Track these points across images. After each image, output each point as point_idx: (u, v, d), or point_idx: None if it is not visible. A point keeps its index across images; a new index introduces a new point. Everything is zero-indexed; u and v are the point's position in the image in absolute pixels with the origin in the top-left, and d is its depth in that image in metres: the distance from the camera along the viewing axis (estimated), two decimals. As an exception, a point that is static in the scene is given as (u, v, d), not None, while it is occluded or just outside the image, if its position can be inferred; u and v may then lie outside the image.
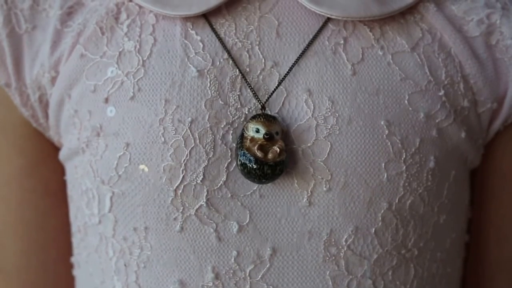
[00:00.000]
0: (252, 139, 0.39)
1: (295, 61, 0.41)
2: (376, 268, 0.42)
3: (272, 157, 0.38)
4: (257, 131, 0.39)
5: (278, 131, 0.39)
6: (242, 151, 0.38)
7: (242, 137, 0.39)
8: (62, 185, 0.48)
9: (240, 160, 0.38)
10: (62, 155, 0.46)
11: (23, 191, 0.48)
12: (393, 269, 0.42)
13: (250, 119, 0.39)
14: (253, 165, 0.38)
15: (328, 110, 0.40)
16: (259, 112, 0.40)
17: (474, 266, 0.50)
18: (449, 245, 0.45)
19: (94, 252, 0.45)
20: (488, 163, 0.47)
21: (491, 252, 0.49)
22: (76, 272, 0.49)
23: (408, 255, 0.42)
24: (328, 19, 0.42)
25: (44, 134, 0.47)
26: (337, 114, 0.40)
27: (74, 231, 0.47)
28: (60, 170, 0.48)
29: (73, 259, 0.49)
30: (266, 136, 0.38)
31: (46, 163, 0.48)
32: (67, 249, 0.49)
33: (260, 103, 0.40)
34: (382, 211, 0.41)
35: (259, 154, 0.38)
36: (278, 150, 0.38)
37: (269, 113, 0.40)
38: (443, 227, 0.44)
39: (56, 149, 0.48)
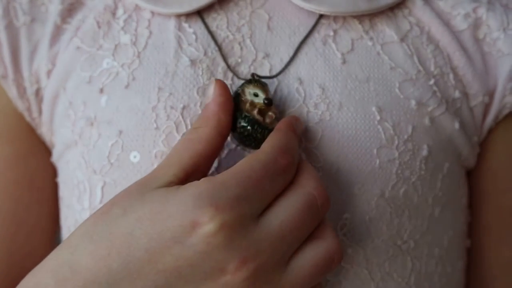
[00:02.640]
0: (252, 103, 0.38)
1: (292, 56, 0.41)
2: (371, 258, 0.41)
3: (270, 122, 0.38)
4: (256, 95, 0.38)
5: (271, 97, 0.39)
6: (244, 114, 0.38)
7: (238, 100, 0.38)
8: (48, 184, 0.48)
9: (239, 122, 0.38)
10: (55, 153, 0.46)
11: (6, 181, 0.47)
12: (390, 260, 0.41)
13: (246, 83, 0.39)
14: (254, 128, 0.38)
15: (319, 97, 0.40)
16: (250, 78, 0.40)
17: (474, 271, 0.49)
18: (447, 243, 0.44)
19: None
20: (481, 163, 0.47)
21: (489, 255, 0.48)
22: None
23: (405, 247, 0.41)
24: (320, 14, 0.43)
25: (36, 130, 0.47)
26: (327, 101, 0.40)
27: (64, 234, 0.47)
28: (47, 169, 0.48)
29: None
30: (266, 102, 0.38)
31: (34, 157, 0.48)
32: (46, 247, 0.49)
33: (250, 71, 0.41)
34: (375, 198, 0.40)
35: (258, 117, 0.38)
36: (274, 115, 0.38)
37: (262, 80, 0.40)
38: (438, 222, 0.43)
39: (46, 148, 0.48)
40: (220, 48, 0.42)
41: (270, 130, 0.37)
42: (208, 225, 0.31)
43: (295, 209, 0.34)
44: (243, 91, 0.39)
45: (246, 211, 0.32)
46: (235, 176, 0.33)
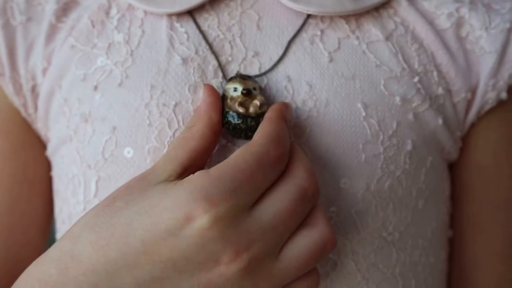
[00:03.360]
0: (232, 98, 0.40)
1: (282, 54, 0.43)
2: (358, 249, 0.42)
3: (254, 111, 0.40)
4: (235, 89, 0.40)
5: (256, 87, 0.41)
6: (225, 111, 0.40)
7: (223, 99, 0.40)
8: (43, 177, 0.49)
9: (224, 119, 0.40)
10: (50, 148, 0.47)
11: (2, 174, 0.48)
12: (375, 251, 0.43)
13: (227, 81, 0.41)
14: (236, 120, 0.39)
15: (307, 94, 0.42)
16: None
17: (456, 260, 0.50)
18: (431, 234, 0.46)
19: None
20: (463, 157, 0.48)
21: (470, 246, 0.49)
22: None
23: (390, 239, 0.43)
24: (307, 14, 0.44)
25: (32, 125, 0.49)
26: (315, 98, 0.42)
27: (59, 226, 0.48)
28: (42, 163, 0.49)
29: None
30: (244, 92, 0.40)
31: (29, 151, 0.49)
32: (41, 239, 0.50)
33: (240, 69, 0.42)
34: (361, 192, 0.42)
35: (240, 109, 0.40)
36: (258, 103, 0.40)
37: (243, 73, 0.42)
38: (422, 214, 0.45)
39: (41, 142, 0.49)
40: (211, 47, 0.43)
41: (253, 117, 0.39)
42: (202, 218, 0.33)
43: (287, 200, 0.35)
44: (225, 90, 0.41)
45: (240, 203, 0.34)
46: (229, 169, 0.34)
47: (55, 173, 0.48)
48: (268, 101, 0.42)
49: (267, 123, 0.38)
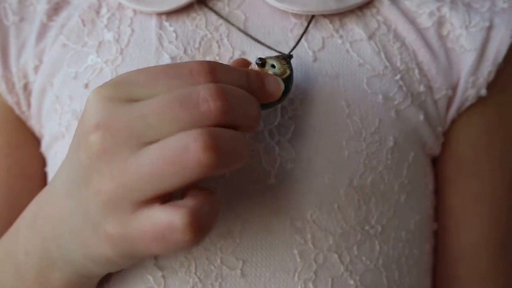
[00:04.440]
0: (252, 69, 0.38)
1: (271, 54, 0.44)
2: (341, 242, 0.44)
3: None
4: (273, 66, 0.39)
5: (280, 66, 0.39)
6: None
7: None
8: (38, 173, 0.50)
9: None
10: (44, 144, 0.48)
11: None
12: (358, 244, 0.44)
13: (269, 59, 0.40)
14: None
15: (292, 93, 0.43)
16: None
17: (440, 253, 0.52)
18: (414, 227, 0.47)
19: None
20: (445, 151, 0.50)
21: (453, 238, 0.51)
22: None
23: (372, 232, 0.45)
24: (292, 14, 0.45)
25: (26, 123, 0.50)
26: (300, 97, 0.43)
27: None
28: (37, 159, 0.50)
29: None
30: (258, 62, 0.39)
31: (25, 147, 0.50)
32: None
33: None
34: (344, 187, 0.43)
35: None
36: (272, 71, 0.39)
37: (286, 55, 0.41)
38: (405, 207, 0.46)
39: (36, 139, 0.50)
40: (199, 46, 0.44)
41: None
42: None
43: (171, 97, 0.31)
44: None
45: (126, 92, 0.33)
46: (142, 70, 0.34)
47: (49, 169, 0.49)
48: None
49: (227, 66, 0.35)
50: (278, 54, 0.42)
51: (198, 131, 0.30)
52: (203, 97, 0.31)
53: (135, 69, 0.42)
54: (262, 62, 0.38)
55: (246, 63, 0.40)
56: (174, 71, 0.32)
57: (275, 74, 0.39)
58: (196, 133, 0.30)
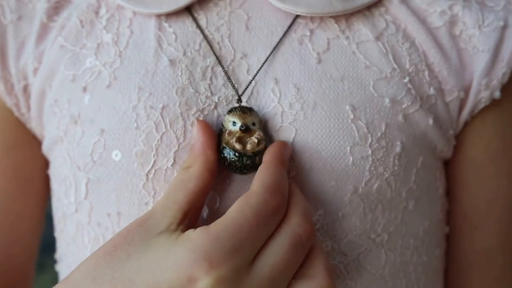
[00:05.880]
0: (230, 133, 0.40)
1: (268, 56, 0.42)
2: (345, 252, 0.42)
3: (251, 148, 0.40)
4: (234, 124, 0.40)
5: (255, 121, 0.40)
6: (222, 146, 0.40)
7: (220, 132, 0.40)
8: (37, 175, 0.50)
9: (221, 154, 0.40)
10: (44, 147, 0.47)
11: None
12: (363, 253, 0.43)
13: (227, 112, 0.40)
14: (232, 157, 0.39)
15: (294, 96, 0.41)
16: (235, 105, 0.41)
17: (452, 256, 0.50)
18: (423, 233, 0.46)
19: (72, 242, 0.46)
20: (458, 154, 0.48)
21: (465, 242, 0.49)
22: (58, 267, 0.50)
23: (378, 240, 0.43)
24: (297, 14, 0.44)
25: (26, 125, 0.49)
26: (302, 100, 0.41)
27: (55, 224, 0.49)
28: (36, 161, 0.49)
29: (56, 255, 0.50)
30: (242, 128, 0.39)
31: (21, 150, 0.49)
32: (33, 235, 0.51)
33: (237, 95, 0.42)
34: (349, 194, 0.41)
35: (237, 146, 0.39)
36: (256, 140, 0.40)
37: (245, 105, 0.41)
38: (413, 213, 0.44)
39: (36, 141, 0.49)
40: (199, 48, 0.43)
41: (250, 156, 0.39)
42: (204, 280, 0.33)
43: (283, 251, 0.35)
44: (224, 121, 0.40)
45: (240, 262, 0.34)
46: (228, 227, 0.34)
47: (51, 172, 0.48)
48: (254, 107, 0.42)
49: (265, 170, 0.37)
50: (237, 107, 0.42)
51: (325, 277, 0.36)
52: (298, 231, 0.36)
53: (136, 76, 0.41)
54: (246, 128, 0.40)
55: (283, 148, 0.40)
56: (257, 218, 0.35)
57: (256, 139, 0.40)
58: (324, 274, 0.36)
